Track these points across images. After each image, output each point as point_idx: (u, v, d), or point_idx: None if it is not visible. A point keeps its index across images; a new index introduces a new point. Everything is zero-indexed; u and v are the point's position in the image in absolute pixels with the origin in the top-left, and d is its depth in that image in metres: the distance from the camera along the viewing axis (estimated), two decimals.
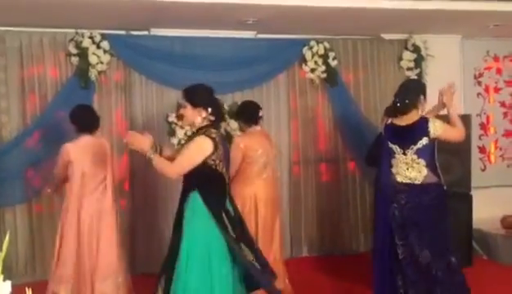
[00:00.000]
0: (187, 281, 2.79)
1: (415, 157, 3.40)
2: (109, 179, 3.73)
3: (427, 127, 3.39)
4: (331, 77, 5.30)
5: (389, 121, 3.56)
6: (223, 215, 2.87)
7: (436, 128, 3.39)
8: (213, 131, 2.96)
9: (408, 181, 3.42)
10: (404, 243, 3.40)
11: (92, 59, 4.63)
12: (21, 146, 4.55)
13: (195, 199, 2.87)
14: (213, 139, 2.90)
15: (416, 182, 3.41)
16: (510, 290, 4.38)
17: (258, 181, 3.88)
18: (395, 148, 3.46)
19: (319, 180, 5.43)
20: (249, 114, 4.03)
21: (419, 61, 5.56)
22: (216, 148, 2.88)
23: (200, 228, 2.84)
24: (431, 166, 3.42)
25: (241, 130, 4.23)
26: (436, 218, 3.44)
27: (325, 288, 4.47)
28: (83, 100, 4.24)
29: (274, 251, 3.93)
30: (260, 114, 4.03)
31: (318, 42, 5.26)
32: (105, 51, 4.68)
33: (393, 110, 3.49)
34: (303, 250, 5.42)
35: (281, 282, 3.90)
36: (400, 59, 5.57)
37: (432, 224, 3.42)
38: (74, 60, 4.64)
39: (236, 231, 2.90)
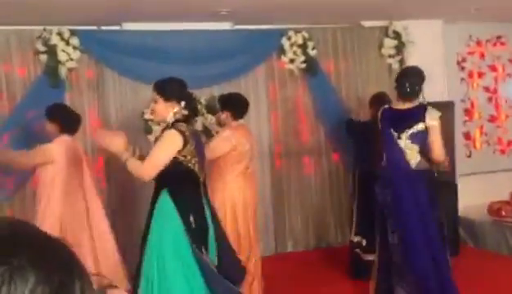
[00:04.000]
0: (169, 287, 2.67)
1: (408, 141, 3.37)
2: (87, 182, 3.63)
3: (424, 114, 3.37)
4: (311, 68, 5.18)
5: (386, 106, 3.56)
6: (191, 218, 2.74)
7: (432, 117, 3.36)
8: (183, 125, 2.83)
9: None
10: (395, 230, 3.39)
11: (62, 56, 4.47)
12: None
13: (165, 199, 2.75)
14: (182, 133, 2.77)
15: (410, 167, 3.39)
16: (498, 277, 4.32)
17: (245, 176, 3.78)
18: (391, 132, 3.44)
19: (302, 173, 5.32)
20: (239, 107, 3.89)
21: (400, 48, 5.45)
22: (186, 142, 2.76)
23: (168, 230, 2.72)
24: (423, 152, 3.40)
25: (220, 124, 4.08)
26: (430, 204, 3.41)
27: (312, 282, 4.37)
28: (54, 99, 4.07)
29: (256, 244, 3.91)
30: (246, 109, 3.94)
31: (296, 31, 5.13)
32: (74, 48, 4.52)
33: (402, 93, 3.44)
34: (288, 245, 5.32)
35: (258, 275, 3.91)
36: (381, 46, 5.45)
37: (426, 211, 3.39)
38: (43, 57, 4.48)
39: (199, 236, 2.77)
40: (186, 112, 2.86)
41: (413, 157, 3.39)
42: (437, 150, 3.37)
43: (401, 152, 3.40)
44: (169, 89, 2.87)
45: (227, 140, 3.70)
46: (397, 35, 5.44)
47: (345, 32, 5.40)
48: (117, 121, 4.77)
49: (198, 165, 2.85)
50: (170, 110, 2.84)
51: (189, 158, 2.79)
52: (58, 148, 3.51)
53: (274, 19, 5.05)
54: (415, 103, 3.45)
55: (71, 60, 4.51)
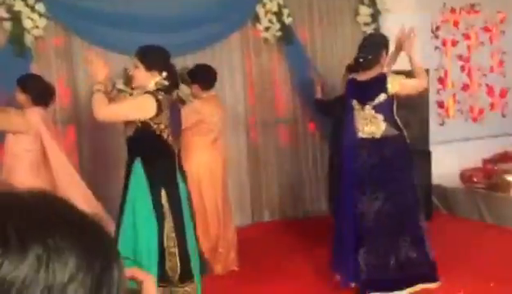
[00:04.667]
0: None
1: (372, 112, 3.38)
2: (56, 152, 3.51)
3: (385, 83, 3.36)
4: (286, 36, 5.10)
5: (351, 76, 3.55)
6: (162, 192, 2.70)
7: (394, 85, 3.38)
8: (161, 93, 2.77)
9: (367, 136, 3.41)
10: (362, 198, 3.41)
11: (27, 23, 4.27)
12: None
13: (138, 169, 2.70)
14: (157, 100, 2.71)
15: (376, 136, 3.40)
16: (469, 242, 4.43)
17: (214, 147, 3.77)
18: (355, 103, 3.43)
19: (277, 143, 5.30)
20: (206, 78, 3.88)
21: (375, 16, 5.41)
22: (160, 110, 2.70)
23: (140, 202, 2.68)
24: (390, 120, 3.41)
25: (194, 96, 4.02)
26: (400, 169, 3.45)
27: (289, 252, 4.40)
28: (20, 69, 3.95)
29: (228, 213, 3.93)
30: (215, 79, 3.93)
31: None
32: (40, 15, 4.32)
33: (356, 66, 3.42)
34: (265, 214, 5.32)
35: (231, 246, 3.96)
36: (356, 14, 5.39)
37: (396, 177, 3.41)
38: (7, 25, 4.27)
39: (175, 213, 2.73)
40: (166, 83, 2.81)
41: (378, 126, 3.38)
42: (417, 89, 3.45)
43: (353, 126, 3.43)
44: (153, 58, 2.82)
45: (195, 112, 3.67)
46: (373, 3, 5.39)
47: None
48: (87, 92, 4.61)
49: (172, 136, 2.80)
50: (151, 79, 2.80)
51: (162, 127, 2.74)
52: (34, 118, 3.39)
53: None
54: (376, 72, 3.41)
55: (37, 27, 4.32)
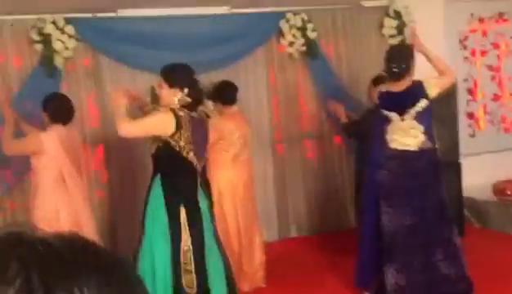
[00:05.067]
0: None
1: (413, 122, 3.33)
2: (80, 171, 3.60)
3: (423, 89, 3.34)
4: (311, 50, 5.09)
5: (383, 89, 3.49)
6: (181, 208, 2.72)
7: (431, 87, 3.36)
8: (184, 110, 2.80)
9: (403, 148, 3.36)
10: (389, 211, 3.34)
11: (57, 45, 4.39)
12: None
13: (157, 185, 2.75)
14: (177, 116, 2.75)
15: (411, 149, 3.34)
16: (505, 257, 4.28)
17: (235, 164, 3.75)
18: (392, 115, 3.38)
19: (304, 158, 5.26)
20: (226, 95, 3.92)
21: (401, 28, 5.36)
22: (179, 127, 2.74)
23: (157, 219, 2.71)
24: (428, 132, 3.37)
25: (218, 112, 4.06)
26: (431, 184, 3.39)
27: (317, 268, 4.34)
28: (51, 89, 4.05)
29: (251, 232, 3.87)
30: (236, 95, 3.95)
31: (295, 14, 5.03)
32: (70, 36, 4.44)
33: (391, 76, 3.37)
34: (291, 230, 5.28)
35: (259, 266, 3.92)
36: (381, 26, 5.35)
37: (427, 191, 3.36)
38: (38, 47, 4.40)
39: (193, 230, 2.74)
40: (189, 99, 2.86)
41: (416, 137, 3.33)
42: (452, 80, 3.53)
43: (383, 138, 3.37)
44: (173, 75, 2.89)
45: (213, 129, 3.68)
46: (398, 15, 5.35)
47: (345, 13, 5.31)
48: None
49: (194, 153, 2.81)
50: (174, 96, 2.85)
51: (182, 144, 2.78)
52: (48, 137, 3.44)
53: (272, 1, 4.96)
54: (408, 82, 3.39)
55: (67, 49, 4.44)
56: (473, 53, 5.86)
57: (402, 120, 3.34)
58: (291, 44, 5.06)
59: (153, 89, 4.71)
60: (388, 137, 3.38)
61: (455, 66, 5.66)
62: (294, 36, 5.04)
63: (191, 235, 2.72)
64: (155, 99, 4.57)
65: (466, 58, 5.84)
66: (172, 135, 2.73)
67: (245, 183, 3.84)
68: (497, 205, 5.04)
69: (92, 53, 4.64)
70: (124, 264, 0.54)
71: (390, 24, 5.35)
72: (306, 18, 5.05)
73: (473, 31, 5.84)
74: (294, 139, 5.21)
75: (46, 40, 4.37)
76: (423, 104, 3.33)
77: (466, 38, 5.82)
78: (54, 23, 4.39)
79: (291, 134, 5.20)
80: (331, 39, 5.27)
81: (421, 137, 3.34)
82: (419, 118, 3.33)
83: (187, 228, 2.72)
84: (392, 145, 3.37)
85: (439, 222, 3.40)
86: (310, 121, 5.27)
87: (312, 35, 5.07)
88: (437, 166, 3.45)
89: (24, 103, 4.29)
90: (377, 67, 5.04)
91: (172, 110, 2.78)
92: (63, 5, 4.32)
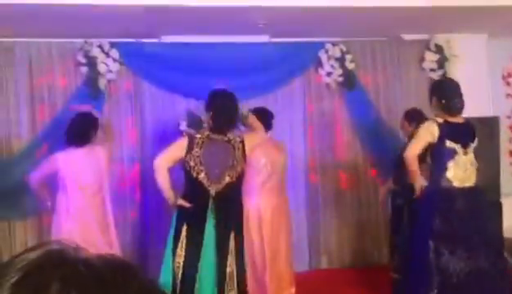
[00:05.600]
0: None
1: (472, 157, 3.20)
2: (104, 190, 3.59)
3: (475, 131, 3.28)
4: (348, 81, 5.09)
5: (440, 120, 3.23)
6: (184, 226, 2.77)
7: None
8: (204, 132, 2.95)
9: (463, 185, 3.18)
10: (448, 254, 3.13)
11: (101, 68, 4.56)
12: (32, 158, 4.48)
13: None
14: (191, 138, 2.86)
15: (470, 185, 3.20)
16: None
17: (262, 191, 3.69)
18: (457, 147, 3.18)
19: (337, 188, 5.20)
20: (261, 121, 3.88)
21: (442, 62, 5.29)
22: (191, 148, 2.80)
23: (170, 232, 2.89)
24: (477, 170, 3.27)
25: None
26: (488, 224, 3.29)
27: None
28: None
29: (279, 262, 3.76)
30: (271, 121, 3.91)
31: (334, 44, 5.06)
32: (114, 60, 4.60)
33: (455, 110, 3.24)
34: (322, 261, 5.19)
35: None
36: (422, 60, 5.30)
37: (487, 231, 3.25)
38: (83, 69, 4.58)
39: (190, 250, 2.79)
40: (211, 121, 2.94)
41: (472, 173, 3.21)
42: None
43: (443, 174, 3.20)
44: (207, 100, 3.06)
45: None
46: (439, 49, 5.29)
47: (384, 45, 5.29)
48: (153, 131, 4.81)
49: (206, 175, 2.83)
50: (205, 119, 3.00)
51: (192, 164, 2.83)
52: (63, 156, 3.52)
53: (311, 32, 5.00)
54: (461, 118, 3.29)
55: (110, 71, 4.60)
56: None
57: (465, 154, 3.18)
58: (329, 74, 5.07)
59: (190, 113, 4.82)
60: (449, 174, 3.16)
61: (498, 102, 5.55)
62: (332, 66, 5.05)
63: (186, 254, 2.79)
64: (192, 122, 4.66)
65: (509, 95, 5.70)
66: (185, 156, 2.86)
67: (273, 211, 3.73)
68: None
69: (133, 77, 4.78)
70: (162, 292, 0.54)
71: (431, 57, 5.29)
72: (344, 49, 5.07)
73: None
74: (328, 169, 5.17)
75: (91, 62, 4.54)
76: (476, 142, 3.24)
77: (510, 75, 5.70)
78: (100, 46, 4.56)
79: (325, 163, 5.16)
80: (369, 71, 5.25)
81: (475, 174, 3.21)
82: (475, 153, 3.23)
83: (184, 247, 2.78)
84: (455, 183, 3.16)
85: (500, 267, 3.23)
86: (345, 151, 5.22)
87: (350, 66, 5.07)
88: (488, 205, 3.36)
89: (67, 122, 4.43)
90: (416, 100, 4.98)
91: (189, 133, 3.03)
92: (109, 30, 4.50)
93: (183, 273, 2.80)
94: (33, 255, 0.52)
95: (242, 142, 3.06)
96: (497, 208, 4.77)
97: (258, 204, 3.66)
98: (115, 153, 4.52)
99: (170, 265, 2.83)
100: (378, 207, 5.22)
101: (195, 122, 4.59)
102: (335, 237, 5.20)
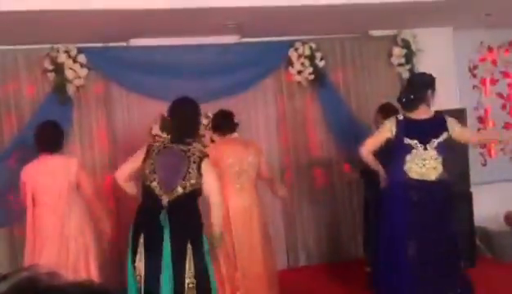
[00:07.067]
0: None
1: (434, 153, 3.29)
2: (74, 198, 3.51)
3: (445, 124, 3.35)
4: (319, 79, 5.13)
5: (401, 116, 3.41)
6: (141, 239, 2.77)
7: (453, 129, 3.36)
8: (163, 140, 2.97)
9: (420, 178, 3.30)
10: (413, 243, 3.28)
11: (69, 74, 4.48)
12: (0, 168, 4.39)
13: None
14: (150, 146, 2.91)
15: (429, 179, 3.29)
16: None
17: (230, 191, 3.62)
18: (414, 143, 3.31)
19: (312, 185, 5.24)
20: (221, 124, 3.86)
21: (409, 56, 5.38)
22: (147, 156, 2.83)
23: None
24: (444, 164, 3.34)
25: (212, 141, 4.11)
26: (445, 217, 3.34)
27: None
28: (62, 117, 4.16)
29: (255, 263, 3.68)
30: (235, 121, 3.85)
31: (304, 42, 5.09)
32: (82, 65, 4.53)
33: (404, 105, 3.41)
34: (301, 259, 5.22)
35: None
36: (390, 55, 5.38)
37: (440, 224, 3.31)
38: (51, 75, 4.49)
39: (149, 259, 2.77)
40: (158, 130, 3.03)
41: (435, 168, 3.30)
42: (470, 141, 3.72)
43: (402, 167, 3.31)
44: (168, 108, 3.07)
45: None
46: (406, 43, 5.37)
47: (353, 42, 5.35)
48: (125, 136, 4.75)
49: (158, 183, 2.79)
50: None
51: (146, 172, 2.82)
52: (26, 170, 3.50)
53: (281, 31, 5.02)
54: (428, 112, 3.37)
55: (79, 77, 4.52)
56: (482, 82, 5.85)
57: (425, 149, 3.29)
58: (300, 72, 5.10)
59: (162, 117, 4.77)
60: (406, 166, 3.30)
61: (465, 94, 5.68)
62: (302, 64, 5.08)
63: (146, 266, 2.74)
64: (164, 127, 4.61)
65: (476, 86, 5.83)
66: (142, 163, 2.85)
67: (244, 212, 3.66)
68: (510, 235, 4.95)
69: (103, 81, 4.71)
70: None
71: (398, 52, 5.37)
72: (314, 47, 5.10)
73: (483, 60, 5.85)
74: (302, 166, 5.20)
75: (58, 69, 4.46)
76: (444, 136, 3.32)
77: (476, 67, 5.82)
78: (67, 52, 4.48)
79: (299, 161, 5.19)
80: (339, 68, 5.30)
81: (440, 168, 3.30)
82: (440, 148, 3.30)
83: (143, 258, 2.75)
84: (411, 175, 3.29)
85: (452, 255, 3.34)
86: (318, 148, 5.26)
87: (320, 64, 5.11)
88: (452, 199, 3.41)
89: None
90: (385, 95, 5.05)
91: (151, 142, 3.04)
92: (76, 35, 4.42)
93: (146, 287, 2.74)
94: (2, 287, 0.49)
95: (201, 158, 2.88)
96: (466, 198, 4.88)
97: (226, 206, 3.51)
98: (87, 160, 4.47)
99: (133, 279, 2.79)
100: (353, 201, 5.28)
101: (167, 126, 4.55)
102: (312, 234, 5.24)
